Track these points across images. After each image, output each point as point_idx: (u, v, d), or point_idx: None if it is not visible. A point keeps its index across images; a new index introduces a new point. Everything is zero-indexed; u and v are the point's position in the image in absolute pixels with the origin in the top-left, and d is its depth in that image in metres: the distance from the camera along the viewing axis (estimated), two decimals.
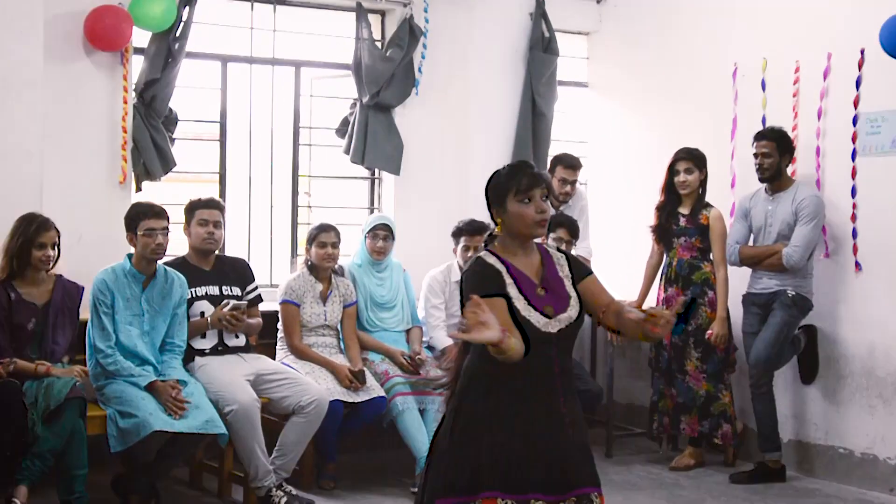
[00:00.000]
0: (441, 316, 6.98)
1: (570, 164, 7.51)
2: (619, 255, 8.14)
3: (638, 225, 7.56)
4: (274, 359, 6.58)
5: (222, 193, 7.36)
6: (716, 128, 7.60)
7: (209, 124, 7.53)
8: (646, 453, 7.51)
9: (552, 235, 7.05)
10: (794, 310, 6.80)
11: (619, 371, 7.82)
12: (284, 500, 5.94)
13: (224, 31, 7.56)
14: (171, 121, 7.07)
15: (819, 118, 6.96)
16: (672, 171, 7.15)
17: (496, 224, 3.92)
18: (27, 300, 5.75)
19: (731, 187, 7.49)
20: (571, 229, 7.08)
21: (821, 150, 6.96)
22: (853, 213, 6.78)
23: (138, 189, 6.95)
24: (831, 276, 6.91)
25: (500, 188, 3.90)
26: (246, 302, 6.22)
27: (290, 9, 7.69)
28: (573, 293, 3.94)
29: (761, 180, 6.90)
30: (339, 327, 6.77)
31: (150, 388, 5.69)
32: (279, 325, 6.70)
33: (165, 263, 6.11)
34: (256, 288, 6.49)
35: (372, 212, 7.92)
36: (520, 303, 3.81)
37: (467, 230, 6.90)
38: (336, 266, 6.80)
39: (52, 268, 5.82)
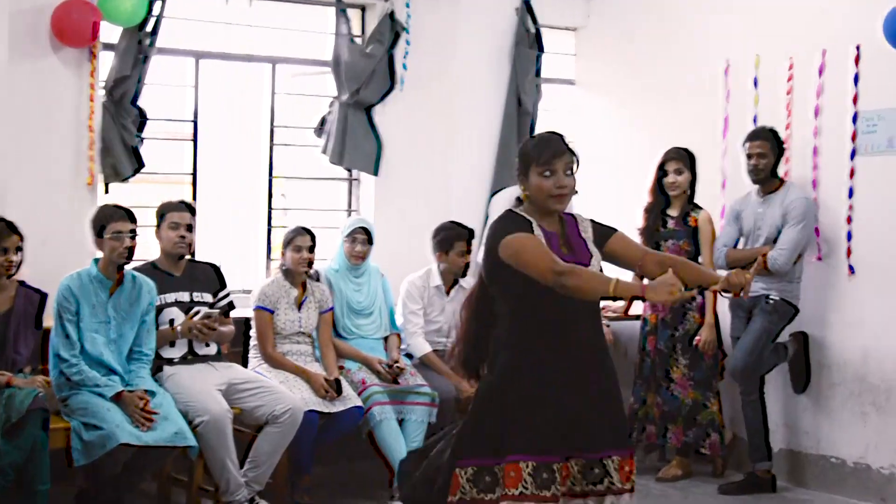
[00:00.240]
0: (419, 322, 6.92)
1: None
2: None
3: (625, 227, 7.42)
4: (246, 367, 6.51)
5: (194, 195, 7.28)
6: (706, 127, 7.56)
7: (181, 123, 7.43)
8: None
9: None
10: (774, 316, 6.75)
11: None
12: None
13: (197, 26, 7.47)
14: (141, 119, 6.99)
15: (816, 116, 6.92)
16: (661, 171, 7.14)
17: (521, 192, 4.12)
18: None
19: (722, 188, 7.44)
20: None
21: (818, 149, 6.92)
22: (849, 215, 6.74)
23: (106, 191, 6.87)
24: (823, 279, 6.88)
25: (525, 158, 4.09)
26: (217, 311, 6.16)
27: (267, 3, 7.61)
28: (595, 252, 4.15)
29: (754, 181, 6.86)
30: (314, 334, 6.70)
31: (117, 399, 5.60)
32: (252, 333, 6.64)
33: (134, 268, 6.03)
34: (229, 294, 6.40)
35: (350, 214, 7.86)
36: None
37: (457, 235, 6.84)
38: (312, 271, 6.73)
39: (14, 273, 5.72)
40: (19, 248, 5.70)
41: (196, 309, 6.09)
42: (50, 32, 6.63)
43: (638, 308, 7.33)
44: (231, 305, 6.39)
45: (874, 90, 6.63)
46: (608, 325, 6.98)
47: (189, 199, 6.90)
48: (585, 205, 8.26)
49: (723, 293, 4.16)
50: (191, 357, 6.16)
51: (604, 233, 4.21)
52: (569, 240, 4.12)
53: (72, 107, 6.77)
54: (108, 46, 6.86)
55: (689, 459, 7.15)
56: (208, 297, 6.27)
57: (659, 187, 7.15)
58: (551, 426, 3.97)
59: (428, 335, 6.94)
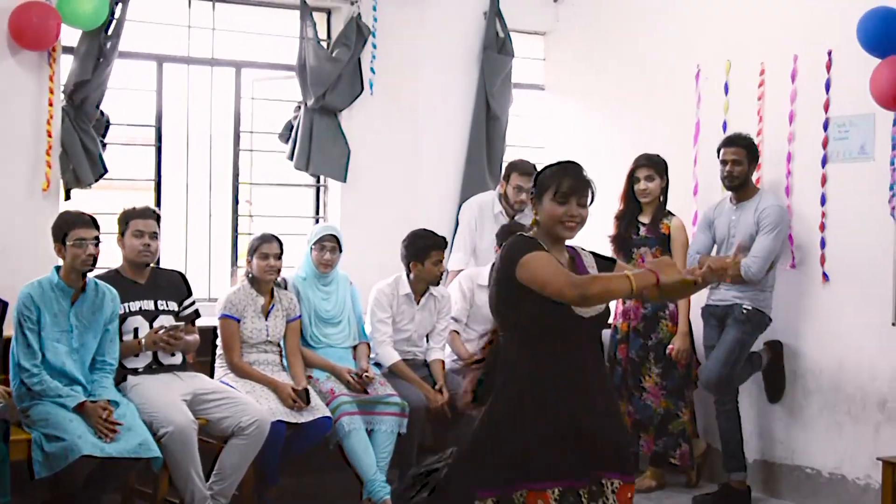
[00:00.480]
0: (388, 331, 6.93)
1: (525, 170, 7.48)
2: None
3: (596, 234, 7.53)
4: (212, 377, 6.50)
5: (158, 202, 7.29)
6: (678, 133, 7.62)
7: (143, 128, 7.44)
8: None
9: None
10: (748, 326, 6.80)
11: None
12: None
13: (160, 29, 7.48)
14: (102, 124, 6.98)
15: (791, 122, 6.99)
16: (632, 178, 7.16)
17: (533, 216, 4.24)
18: None
19: (694, 195, 7.51)
20: None
21: (791, 155, 7.00)
22: (822, 222, 6.81)
23: (67, 197, 6.86)
24: (797, 287, 6.94)
25: (542, 183, 4.20)
26: (183, 324, 6.17)
27: (230, 6, 7.63)
28: None
29: (729, 188, 6.91)
30: (281, 343, 6.71)
31: (79, 410, 5.59)
32: (218, 342, 6.63)
33: (96, 276, 6.02)
34: (194, 302, 6.42)
35: (317, 221, 7.88)
36: None
37: (434, 245, 6.87)
38: (279, 279, 6.74)
39: None
40: None
41: (161, 325, 6.09)
42: (8, 35, 6.62)
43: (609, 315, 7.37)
44: (196, 313, 6.40)
45: (845, 96, 6.69)
46: None
47: (153, 205, 6.90)
48: None
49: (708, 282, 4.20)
50: (155, 367, 6.16)
51: (606, 265, 4.34)
52: (577, 270, 4.23)
53: (30, 111, 6.76)
54: (67, 50, 6.86)
55: (662, 470, 7.20)
56: (173, 306, 6.27)
57: (630, 194, 7.19)
58: (570, 451, 4.06)
59: (397, 344, 6.96)
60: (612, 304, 7.26)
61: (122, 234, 6.18)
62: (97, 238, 5.81)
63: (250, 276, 6.65)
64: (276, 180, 7.99)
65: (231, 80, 7.67)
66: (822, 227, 6.81)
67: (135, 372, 6.10)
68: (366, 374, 6.69)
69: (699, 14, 7.60)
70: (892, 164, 6.43)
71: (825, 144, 6.79)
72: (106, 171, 6.93)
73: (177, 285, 6.38)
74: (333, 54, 7.61)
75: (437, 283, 7.03)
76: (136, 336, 6.12)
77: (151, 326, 6.14)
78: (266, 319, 6.60)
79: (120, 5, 6.83)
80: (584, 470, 4.08)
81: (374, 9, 7.79)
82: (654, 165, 7.12)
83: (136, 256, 6.15)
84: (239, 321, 6.54)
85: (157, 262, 6.52)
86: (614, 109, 8.23)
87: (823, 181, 6.80)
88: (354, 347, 6.99)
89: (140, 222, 6.14)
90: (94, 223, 5.83)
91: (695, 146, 7.55)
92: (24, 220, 6.67)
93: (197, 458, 5.87)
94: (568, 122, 8.64)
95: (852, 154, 6.69)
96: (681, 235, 7.09)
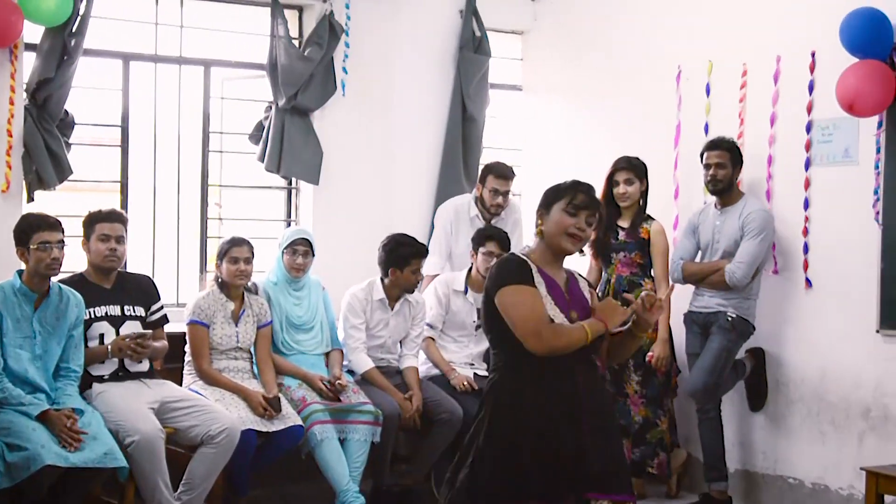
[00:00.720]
0: (361, 337, 6.92)
1: (501, 173, 7.49)
2: None
3: None
4: (180, 385, 6.48)
5: (124, 204, 7.26)
6: (658, 135, 7.65)
7: (109, 128, 7.41)
8: None
9: (482, 250, 7.04)
10: (732, 334, 6.81)
11: None
12: None
13: (126, 26, 7.46)
14: (67, 124, 6.94)
15: (772, 124, 7.02)
16: (611, 181, 7.16)
17: (537, 226, 4.34)
18: None
19: (675, 199, 7.53)
20: (502, 243, 7.06)
21: (772, 158, 7.03)
22: (805, 226, 6.84)
23: (30, 199, 6.82)
24: (780, 293, 6.97)
25: (555, 192, 4.31)
26: (150, 331, 6.14)
27: (199, 3, 7.62)
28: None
29: (713, 193, 6.93)
30: (252, 350, 6.69)
31: (43, 418, 5.54)
32: (187, 348, 6.60)
33: (60, 281, 5.98)
34: (162, 308, 6.39)
35: (289, 224, 7.86)
36: (547, 301, 4.21)
37: (416, 253, 6.88)
38: (249, 283, 6.72)
39: None
40: None
41: (130, 332, 6.06)
42: None
43: None
44: (164, 319, 6.37)
45: (830, 98, 6.67)
46: None
47: (119, 208, 6.87)
48: (532, 215, 8.36)
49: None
50: (122, 374, 6.12)
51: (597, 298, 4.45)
52: (571, 290, 4.32)
53: None
54: (30, 47, 6.82)
55: (642, 480, 7.21)
56: (140, 311, 6.24)
57: (609, 198, 7.17)
58: (551, 471, 4.11)
59: (371, 350, 6.95)
60: None
61: (87, 237, 6.14)
62: (62, 241, 5.76)
63: (220, 280, 6.63)
64: (246, 182, 7.97)
65: (200, 79, 7.65)
66: (805, 232, 6.84)
67: (100, 379, 6.07)
68: (338, 381, 6.68)
69: (681, 14, 7.62)
70: (877, 168, 6.47)
71: (808, 147, 6.82)
72: (71, 172, 6.89)
73: (144, 290, 6.35)
74: (305, 53, 7.60)
75: (413, 291, 7.03)
76: (101, 342, 6.08)
77: (118, 332, 6.11)
78: (236, 325, 6.58)
79: (85, 1, 6.79)
80: (566, 491, 4.12)
81: (347, 7, 7.79)
82: (633, 168, 7.12)
83: (101, 261, 6.12)
84: (208, 327, 6.52)
85: (124, 267, 6.49)
86: (593, 111, 8.25)
87: (806, 185, 6.83)
88: (327, 354, 6.99)
89: (106, 226, 6.11)
90: (58, 226, 5.78)
91: (675, 149, 7.57)
92: None
93: (164, 468, 5.84)
94: (546, 123, 8.66)
95: (836, 157, 6.72)
96: (661, 240, 7.09)
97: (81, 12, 6.80)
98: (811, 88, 6.81)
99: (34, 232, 5.71)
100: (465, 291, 7.22)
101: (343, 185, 7.83)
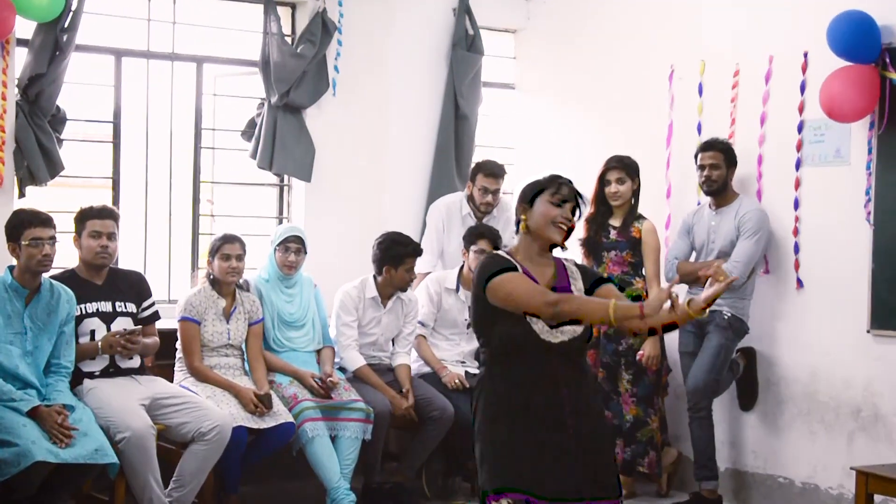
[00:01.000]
0: (353, 335, 6.95)
1: (491, 171, 7.52)
2: None
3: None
4: (171, 381, 6.50)
5: (116, 200, 7.26)
6: (650, 134, 7.67)
7: (101, 124, 7.43)
8: None
9: (473, 248, 7.07)
10: (729, 332, 6.85)
11: None
12: None
13: (118, 22, 7.46)
14: (58, 120, 6.95)
15: (762, 124, 7.05)
16: (602, 180, 7.17)
17: (519, 222, 4.30)
18: None
19: (667, 198, 7.56)
20: (493, 241, 7.09)
21: (762, 158, 7.06)
22: (795, 226, 6.88)
23: (21, 195, 6.82)
24: (771, 293, 7.00)
25: (535, 185, 4.28)
26: (140, 327, 6.16)
27: None
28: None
29: (707, 193, 6.95)
30: (243, 347, 6.71)
31: (33, 414, 5.56)
32: (178, 345, 6.62)
33: (52, 277, 6.00)
34: (153, 304, 6.41)
35: (281, 221, 7.88)
36: None
37: (411, 252, 6.90)
38: (241, 280, 6.74)
39: None
40: None
41: (122, 328, 6.07)
42: None
43: None
44: (155, 315, 6.39)
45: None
46: None
47: (111, 204, 6.88)
48: None
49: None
50: (112, 370, 6.15)
51: (594, 281, 4.37)
52: (557, 290, 4.24)
53: None
54: (22, 42, 6.82)
55: (632, 479, 7.24)
56: (132, 307, 6.27)
57: (600, 197, 7.19)
58: (530, 472, 4.14)
59: (363, 348, 6.98)
60: None
61: (78, 233, 6.17)
62: (53, 238, 5.79)
63: (211, 277, 6.65)
64: (238, 179, 7.99)
65: (192, 75, 7.65)
66: (796, 232, 6.88)
67: (91, 375, 6.09)
68: (330, 378, 6.70)
69: (673, 13, 7.66)
70: (868, 168, 6.51)
71: (799, 147, 6.85)
72: (62, 168, 6.91)
73: (136, 286, 6.37)
74: (298, 50, 7.62)
75: (406, 290, 7.05)
76: (92, 338, 6.11)
77: (109, 328, 6.14)
78: (227, 322, 6.60)
79: None
80: (552, 492, 4.13)
81: (340, 4, 7.80)
82: (625, 167, 7.13)
83: (92, 258, 6.14)
84: (199, 324, 6.54)
85: (116, 263, 6.51)
86: (586, 110, 8.28)
87: (797, 185, 6.87)
88: (318, 351, 7.01)
89: (97, 222, 6.13)
90: (50, 222, 5.81)
91: (668, 148, 7.60)
92: None
93: (155, 465, 5.86)
94: (539, 122, 8.68)
95: (827, 158, 6.75)
96: (652, 239, 7.09)
97: (74, 8, 6.79)
98: (803, 88, 6.85)
99: (25, 228, 5.74)
100: (457, 289, 7.26)
101: (335, 183, 7.85)
